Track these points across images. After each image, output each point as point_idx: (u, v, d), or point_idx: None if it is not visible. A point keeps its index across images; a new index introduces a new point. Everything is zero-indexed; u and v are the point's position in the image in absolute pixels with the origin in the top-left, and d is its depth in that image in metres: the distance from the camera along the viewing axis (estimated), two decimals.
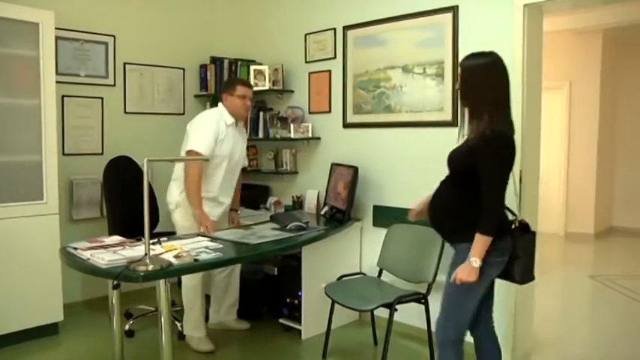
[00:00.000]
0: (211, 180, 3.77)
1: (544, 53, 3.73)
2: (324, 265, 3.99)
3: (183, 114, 5.33)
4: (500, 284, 3.46)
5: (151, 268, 2.57)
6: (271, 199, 4.98)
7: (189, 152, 3.63)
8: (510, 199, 2.62)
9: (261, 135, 5.04)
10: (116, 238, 3.13)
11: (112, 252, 2.82)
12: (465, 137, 2.57)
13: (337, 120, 4.61)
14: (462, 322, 2.58)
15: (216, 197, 3.83)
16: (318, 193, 4.64)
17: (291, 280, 4.15)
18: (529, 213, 3.48)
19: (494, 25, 3.60)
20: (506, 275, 2.60)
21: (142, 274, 2.54)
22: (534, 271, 2.66)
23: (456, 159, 2.57)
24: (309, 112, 4.84)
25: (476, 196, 2.41)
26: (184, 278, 3.81)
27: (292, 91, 4.98)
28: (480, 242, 2.40)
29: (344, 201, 4.11)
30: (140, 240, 3.00)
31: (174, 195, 3.82)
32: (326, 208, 4.37)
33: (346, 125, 4.52)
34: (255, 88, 4.84)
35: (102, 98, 4.83)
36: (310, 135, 4.70)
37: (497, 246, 2.44)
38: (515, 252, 2.54)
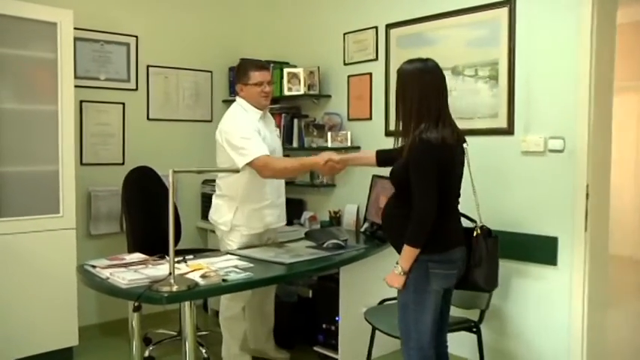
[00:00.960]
0: (264, 186, 3.70)
1: (617, 49, 3.63)
2: (363, 287, 3.95)
3: (211, 121, 5.35)
4: (561, 311, 3.36)
5: (175, 288, 2.57)
6: (306, 214, 4.99)
7: (250, 164, 3.46)
8: (471, 207, 2.91)
9: (295, 144, 5.04)
10: (138, 256, 3.14)
11: (133, 271, 2.83)
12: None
13: (379, 127, 4.59)
14: (422, 342, 2.73)
15: (273, 202, 3.79)
16: (358, 207, 4.63)
17: (327, 303, 4.13)
18: (597, 232, 3.38)
19: (557, 19, 3.53)
20: (466, 284, 2.86)
21: (165, 295, 2.55)
22: (498, 277, 2.96)
23: (395, 172, 2.78)
24: (348, 119, 4.84)
25: None
26: (221, 308, 3.80)
27: (329, 96, 4.98)
28: (406, 252, 2.65)
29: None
30: (164, 258, 3.01)
31: (226, 216, 3.72)
32: (366, 225, 4.35)
33: (389, 133, 4.48)
34: (289, 93, 4.91)
35: (123, 104, 4.88)
36: (349, 144, 4.68)
37: (440, 258, 2.67)
38: (474, 260, 2.82)
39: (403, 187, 2.69)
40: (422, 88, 2.68)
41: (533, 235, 3.61)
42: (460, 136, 2.75)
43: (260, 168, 3.47)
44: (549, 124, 3.54)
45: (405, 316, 2.76)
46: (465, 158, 2.81)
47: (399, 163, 2.75)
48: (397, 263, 2.70)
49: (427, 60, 2.76)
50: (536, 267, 3.61)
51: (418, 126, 2.64)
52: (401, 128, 2.74)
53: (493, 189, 3.75)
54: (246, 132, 3.54)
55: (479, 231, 2.86)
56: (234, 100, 5.45)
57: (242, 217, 3.69)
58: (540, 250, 3.57)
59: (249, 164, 3.47)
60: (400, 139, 2.77)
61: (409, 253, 2.65)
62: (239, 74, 3.77)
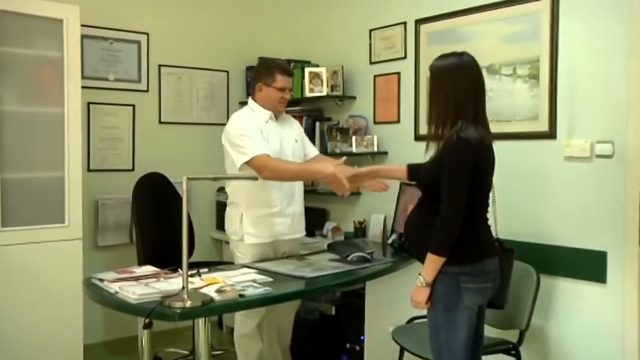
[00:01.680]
0: (270, 190, 3.70)
1: None
2: (391, 304, 3.94)
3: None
4: (613, 336, 3.28)
5: (189, 304, 2.57)
6: (329, 225, 5.00)
7: (248, 163, 3.51)
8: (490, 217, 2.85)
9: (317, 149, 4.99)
10: (149, 269, 3.16)
11: (143, 285, 2.84)
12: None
13: (408, 131, 4.57)
14: None
15: (282, 210, 3.78)
16: (385, 218, 4.61)
17: (351, 321, 4.12)
18: None
19: (606, 12, 3.46)
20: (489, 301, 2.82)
21: (178, 311, 2.55)
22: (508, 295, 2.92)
23: (425, 173, 2.78)
24: (375, 122, 4.83)
25: None
26: (236, 325, 3.80)
27: (354, 98, 4.98)
28: (429, 261, 2.62)
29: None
30: (176, 271, 3.02)
31: (235, 223, 3.76)
32: (394, 236, 4.35)
33: (419, 137, 4.47)
34: (310, 94, 4.93)
35: (133, 106, 4.93)
36: (375, 149, 4.68)
37: (473, 270, 2.63)
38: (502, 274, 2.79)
39: (433, 191, 2.66)
40: (458, 84, 2.65)
41: (577, 249, 3.55)
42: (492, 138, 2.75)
43: (259, 168, 3.48)
44: (596, 127, 3.49)
45: (435, 336, 2.72)
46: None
47: (429, 163, 2.73)
48: (420, 274, 2.67)
49: (462, 54, 2.74)
50: (582, 284, 3.54)
51: (454, 125, 2.61)
52: (434, 131, 2.71)
53: (532, 198, 3.72)
54: (247, 130, 3.59)
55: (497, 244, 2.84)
56: None
57: (248, 224, 3.70)
58: (586, 265, 3.51)
59: (248, 163, 3.50)
60: (434, 145, 2.74)
61: (433, 262, 2.62)
62: (262, 72, 3.80)
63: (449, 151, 2.59)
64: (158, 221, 4.15)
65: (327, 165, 3.53)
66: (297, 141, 3.93)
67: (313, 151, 4.11)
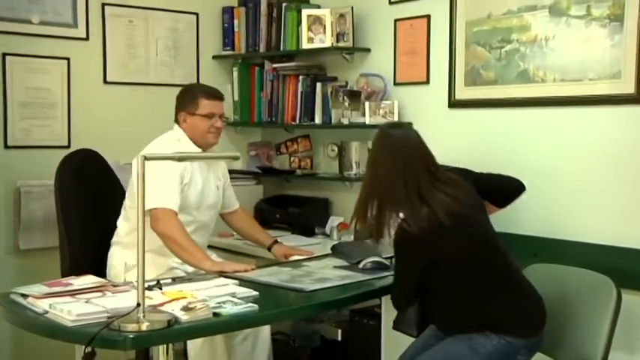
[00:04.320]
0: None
1: None
2: None
3: None
4: None
5: (145, 326, 2.56)
6: (333, 220, 5.02)
7: (150, 212, 3.67)
8: None
9: (317, 119, 5.08)
10: (91, 280, 3.15)
11: (83, 301, 2.83)
12: None
13: (440, 95, 4.56)
14: None
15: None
16: None
17: (364, 348, 4.18)
18: None
19: None
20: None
21: (131, 336, 2.54)
22: None
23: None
24: (395, 84, 4.81)
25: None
26: (190, 344, 3.82)
27: (368, 50, 4.97)
28: None
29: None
30: (129, 284, 3.05)
31: (117, 265, 3.97)
32: None
33: (454, 104, 4.50)
34: (309, 46, 4.95)
35: (68, 59, 4.87)
36: (396, 119, 4.65)
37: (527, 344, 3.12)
38: None
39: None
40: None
41: None
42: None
43: (156, 219, 3.74)
44: None
45: None
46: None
47: None
48: None
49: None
50: None
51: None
52: None
53: (615, 186, 3.73)
54: (163, 172, 3.76)
55: None
56: (231, 57, 5.43)
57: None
58: None
59: (148, 212, 3.59)
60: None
61: None
62: (184, 100, 4.10)
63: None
64: (92, 216, 4.13)
65: (204, 259, 3.74)
66: (218, 188, 4.19)
67: (233, 204, 4.44)
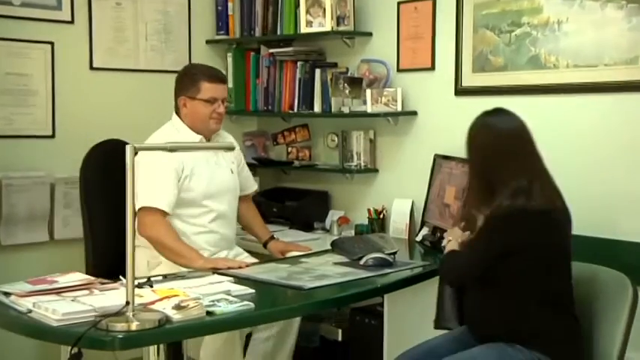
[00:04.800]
0: (198, 239, 3.95)
1: None
2: (420, 325, 3.88)
3: None
4: None
5: (135, 325, 2.55)
6: (333, 214, 5.04)
7: (138, 214, 3.66)
8: None
9: (316, 108, 5.07)
10: (78, 277, 3.11)
11: (69, 300, 2.81)
12: None
13: (446, 82, 4.57)
14: None
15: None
16: (413, 204, 4.65)
17: (365, 349, 4.20)
18: None
19: None
20: None
21: (120, 335, 2.52)
22: None
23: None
24: (398, 70, 4.82)
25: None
26: (208, 338, 3.83)
27: (369, 35, 4.97)
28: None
29: (455, 219, 4.02)
30: (119, 281, 3.01)
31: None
32: (425, 231, 4.41)
33: (461, 91, 4.50)
34: (308, 30, 4.93)
35: (52, 44, 4.83)
36: (399, 108, 4.68)
37: None
38: None
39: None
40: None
41: None
42: None
43: (142, 222, 3.75)
44: None
45: None
46: None
47: None
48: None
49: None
50: None
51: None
52: None
53: (632, 177, 3.73)
54: (157, 168, 3.80)
55: None
56: (225, 41, 5.44)
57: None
58: None
59: (138, 212, 3.67)
60: None
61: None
62: (183, 83, 4.07)
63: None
64: (117, 209, 4.06)
65: (196, 258, 3.73)
66: (232, 171, 4.17)
67: (251, 186, 4.49)
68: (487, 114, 3.30)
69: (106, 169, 4.16)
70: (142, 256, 3.82)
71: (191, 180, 3.90)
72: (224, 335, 3.75)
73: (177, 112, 4.06)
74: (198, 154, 3.96)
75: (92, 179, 4.19)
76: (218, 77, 4.04)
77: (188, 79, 4.02)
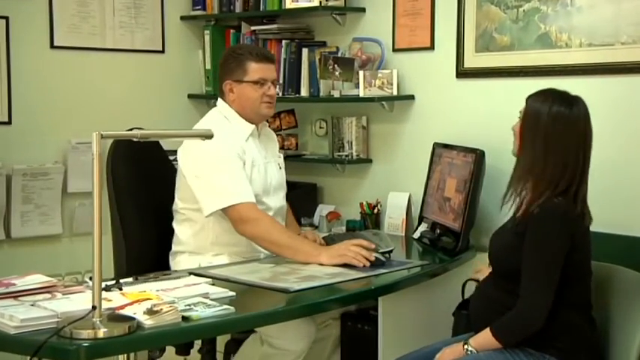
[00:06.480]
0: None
1: None
2: (417, 330, 3.98)
3: (163, 52, 5.40)
4: None
5: (103, 332, 2.53)
6: (322, 209, 5.09)
7: (228, 211, 3.73)
8: None
9: (303, 92, 5.13)
10: (38, 279, 3.07)
11: (28, 304, 2.81)
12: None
13: (446, 63, 4.61)
14: None
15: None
16: (410, 198, 4.69)
17: (357, 355, 4.26)
18: None
19: None
20: None
21: (85, 344, 2.51)
22: None
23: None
24: (394, 50, 4.86)
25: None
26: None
27: (362, 10, 4.99)
28: (487, 339, 3.11)
29: (457, 214, 4.16)
30: (84, 283, 3.04)
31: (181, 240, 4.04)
32: (423, 227, 4.46)
33: (462, 73, 4.53)
34: (293, 5, 4.95)
35: (6, 18, 4.83)
36: (395, 91, 4.69)
37: None
38: None
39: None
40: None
41: None
42: None
43: (241, 220, 3.75)
44: None
45: None
46: None
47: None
48: (468, 345, 3.15)
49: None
50: None
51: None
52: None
53: None
54: (226, 159, 3.81)
55: None
56: (201, 17, 5.40)
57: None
58: None
59: (225, 210, 3.73)
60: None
61: (489, 341, 3.11)
62: (228, 65, 4.01)
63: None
64: (147, 208, 4.13)
65: (314, 253, 3.74)
66: (280, 167, 4.23)
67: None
68: (570, 103, 3.28)
69: (134, 164, 4.17)
70: (188, 265, 3.85)
71: (252, 171, 3.89)
72: None
73: (223, 99, 4.02)
74: (251, 143, 3.94)
75: (122, 176, 4.15)
76: (266, 57, 4.01)
77: (233, 61, 3.97)
